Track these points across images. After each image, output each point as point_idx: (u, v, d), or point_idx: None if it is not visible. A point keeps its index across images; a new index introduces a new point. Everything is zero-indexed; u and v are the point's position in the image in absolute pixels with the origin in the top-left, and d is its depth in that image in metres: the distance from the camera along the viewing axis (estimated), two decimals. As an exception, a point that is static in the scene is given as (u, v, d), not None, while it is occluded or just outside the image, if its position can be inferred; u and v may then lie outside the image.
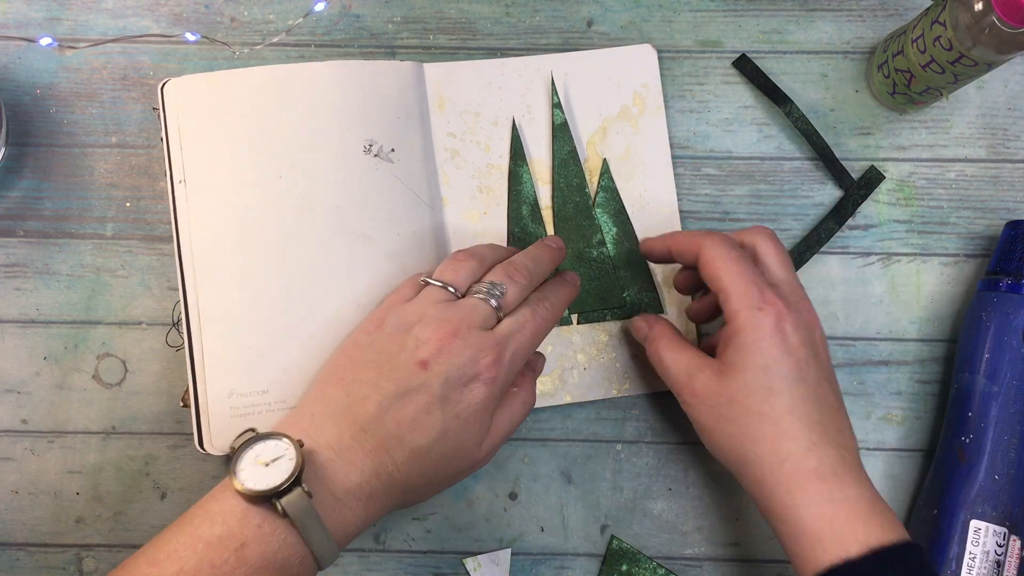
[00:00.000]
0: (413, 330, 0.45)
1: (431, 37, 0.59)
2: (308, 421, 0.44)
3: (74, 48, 0.58)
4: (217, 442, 0.49)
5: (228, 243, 0.51)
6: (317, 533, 0.40)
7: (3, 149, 0.56)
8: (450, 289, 0.47)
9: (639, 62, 0.58)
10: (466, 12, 0.59)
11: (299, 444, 0.41)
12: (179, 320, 0.52)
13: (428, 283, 0.48)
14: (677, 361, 0.49)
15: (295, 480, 0.40)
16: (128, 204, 0.57)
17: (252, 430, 0.42)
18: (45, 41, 0.58)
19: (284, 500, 0.39)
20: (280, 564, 0.40)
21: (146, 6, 0.58)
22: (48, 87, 0.58)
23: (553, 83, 0.57)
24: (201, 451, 0.49)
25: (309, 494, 0.40)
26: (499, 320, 0.47)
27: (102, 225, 0.57)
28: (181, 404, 0.54)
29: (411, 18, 0.59)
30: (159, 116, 0.52)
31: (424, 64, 0.56)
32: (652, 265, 0.56)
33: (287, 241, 0.51)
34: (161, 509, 0.55)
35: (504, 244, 0.56)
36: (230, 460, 0.41)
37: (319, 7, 0.58)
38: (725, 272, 0.46)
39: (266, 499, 0.40)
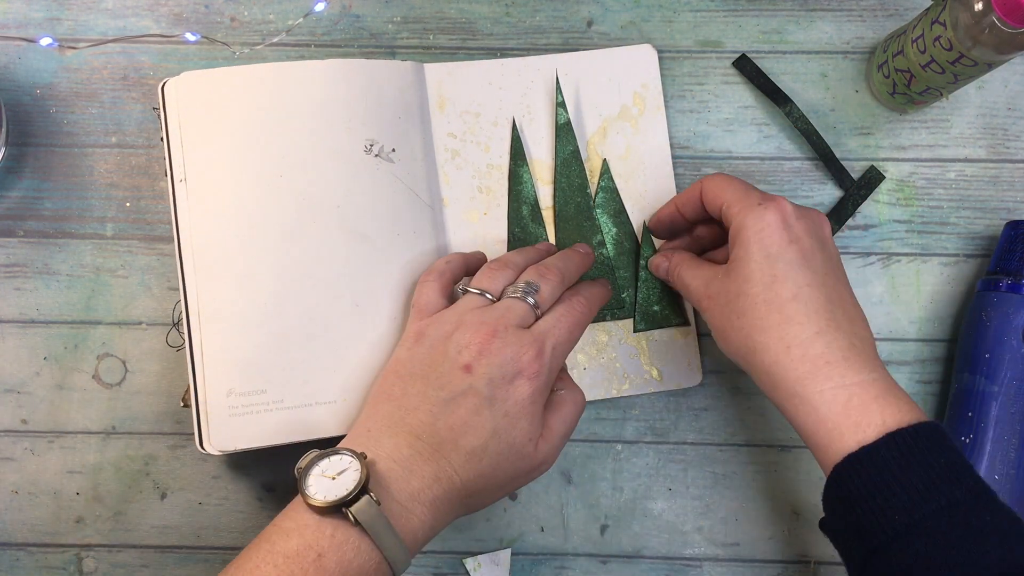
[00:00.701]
0: (453, 337, 0.46)
1: (431, 37, 0.59)
2: (365, 437, 0.45)
3: (74, 48, 0.58)
4: (215, 441, 0.49)
5: (228, 243, 0.51)
6: (389, 538, 0.41)
7: (3, 149, 0.56)
8: (487, 296, 0.48)
9: (639, 62, 0.58)
10: (466, 12, 0.59)
11: (362, 456, 0.42)
12: (179, 320, 0.52)
13: (466, 291, 0.49)
14: (696, 277, 0.50)
15: (362, 489, 0.41)
16: (128, 204, 0.57)
17: (315, 449, 0.44)
18: (45, 41, 0.58)
19: (354, 508, 0.40)
20: (356, 572, 0.41)
21: (146, 6, 0.58)
22: (48, 87, 0.58)
23: (558, 82, 0.57)
24: (201, 451, 0.49)
25: (377, 501, 0.41)
26: (537, 318, 0.48)
27: (102, 225, 0.57)
28: (181, 404, 0.54)
29: (411, 18, 0.59)
30: (159, 116, 0.52)
31: (424, 64, 0.56)
32: (651, 266, 0.56)
33: (287, 241, 0.51)
34: (161, 509, 0.55)
35: (504, 245, 0.56)
36: (297, 480, 0.42)
37: (319, 7, 0.58)
38: (727, 188, 0.48)
39: (337, 509, 0.41)
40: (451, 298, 0.50)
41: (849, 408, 0.42)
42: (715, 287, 0.48)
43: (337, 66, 0.53)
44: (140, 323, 0.56)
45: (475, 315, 0.46)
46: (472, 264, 0.52)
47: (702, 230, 0.55)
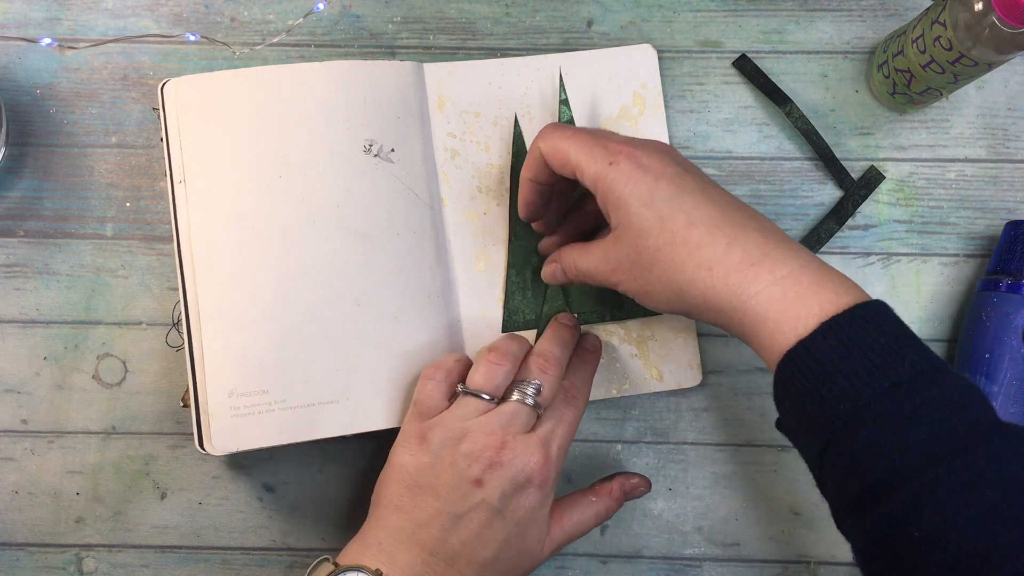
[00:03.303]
0: (461, 447, 0.46)
1: (431, 37, 0.59)
2: (376, 550, 0.45)
3: (74, 48, 0.58)
4: (217, 442, 0.49)
5: (228, 243, 0.51)
6: None
7: (3, 149, 0.56)
8: (487, 397, 0.48)
9: (639, 62, 0.58)
10: (466, 12, 0.59)
11: (377, 573, 0.43)
12: (179, 320, 0.52)
13: (467, 393, 0.48)
14: (591, 259, 0.48)
15: None
16: (128, 204, 0.57)
17: (327, 559, 0.45)
18: (45, 41, 0.58)
19: None
20: None
21: (146, 6, 0.58)
22: (48, 87, 0.58)
23: (561, 80, 0.57)
24: (201, 451, 0.49)
25: None
26: (538, 417, 0.48)
27: (102, 225, 0.57)
28: (181, 404, 0.54)
29: (411, 18, 0.59)
30: (159, 116, 0.52)
31: (424, 64, 0.56)
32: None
33: (287, 241, 0.51)
34: (161, 509, 0.55)
35: (504, 244, 0.56)
36: None
37: (319, 7, 0.58)
38: (570, 150, 0.47)
39: None
40: (452, 398, 0.49)
41: (786, 301, 0.41)
42: (613, 258, 0.46)
43: (335, 67, 0.53)
44: (140, 323, 0.56)
45: (480, 424, 0.46)
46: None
47: (574, 216, 0.54)
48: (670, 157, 0.46)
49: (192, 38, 0.58)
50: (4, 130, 0.56)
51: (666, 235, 0.44)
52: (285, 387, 0.50)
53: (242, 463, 0.56)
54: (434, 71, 0.56)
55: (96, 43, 0.58)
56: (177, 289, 0.53)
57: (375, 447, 0.56)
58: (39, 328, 0.56)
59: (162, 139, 0.52)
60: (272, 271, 0.51)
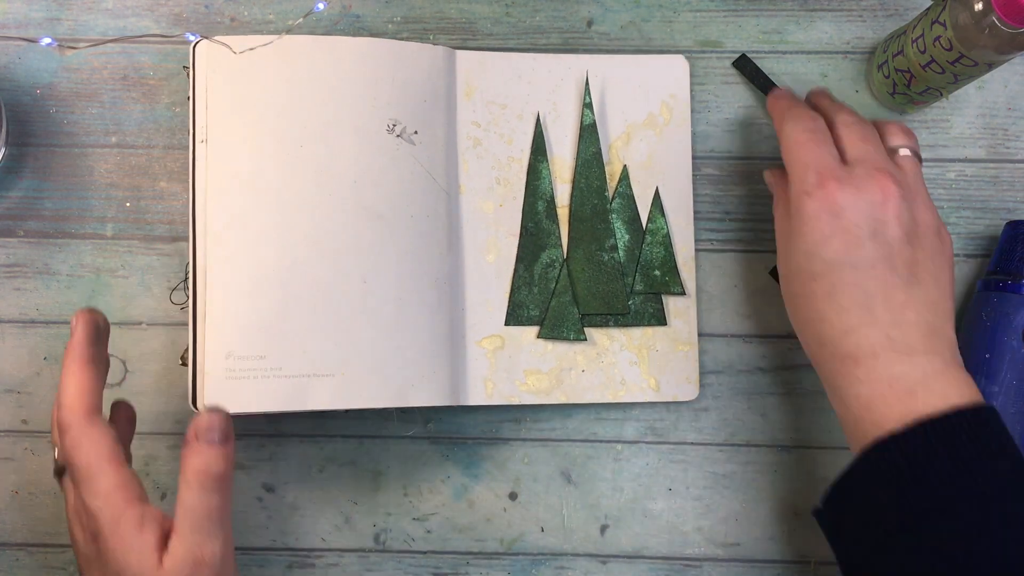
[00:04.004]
0: None
1: (431, 37, 0.59)
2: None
3: (74, 48, 0.58)
4: (210, 402, 0.49)
5: (242, 206, 0.51)
6: None
7: (3, 149, 0.56)
8: None
9: (670, 72, 0.58)
10: (466, 12, 0.59)
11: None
12: (186, 277, 0.52)
13: None
14: (778, 189, 0.51)
15: None
16: (128, 204, 0.57)
17: None
18: (45, 41, 0.57)
19: None
20: None
21: (146, 6, 0.58)
22: (48, 87, 0.58)
23: (588, 83, 0.57)
24: (195, 411, 0.49)
25: None
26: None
27: (102, 225, 0.57)
28: (180, 362, 0.54)
29: (411, 18, 0.59)
30: (188, 75, 0.52)
31: (456, 51, 0.56)
32: (657, 276, 0.56)
33: (300, 210, 0.51)
34: (161, 509, 0.55)
35: (516, 238, 0.56)
36: None
37: (319, 7, 0.58)
38: (790, 154, 0.48)
39: None
40: None
41: (872, 404, 0.43)
42: (781, 231, 0.49)
43: (367, 44, 0.53)
44: (140, 323, 0.56)
45: None
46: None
47: None
48: (871, 212, 0.45)
49: (192, 38, 0.58)
50: (4, 130, 0.56)
51: (806, 290, 0.46)
52: (283, 355, 0.50)
53: (242, 463, 0.56)
54: (466, 59, 0.56)
55: (96, 43, 0.58)
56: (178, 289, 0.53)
57: (375, 447, 0.56)
58: (39, 328, 0.56)
59: (188, 98, 0.52)
60: (282, 238, 0.51)
